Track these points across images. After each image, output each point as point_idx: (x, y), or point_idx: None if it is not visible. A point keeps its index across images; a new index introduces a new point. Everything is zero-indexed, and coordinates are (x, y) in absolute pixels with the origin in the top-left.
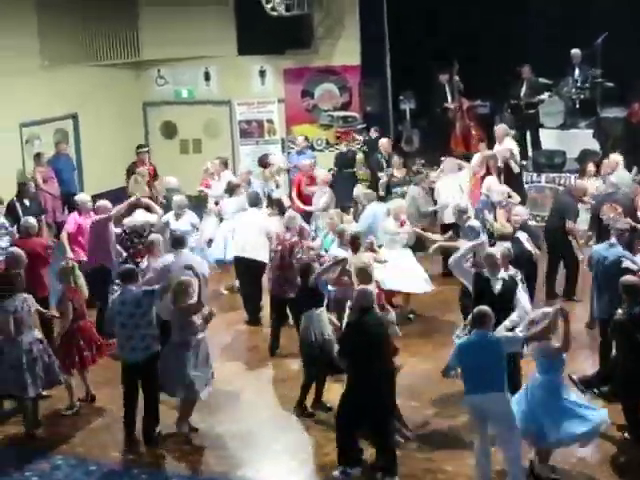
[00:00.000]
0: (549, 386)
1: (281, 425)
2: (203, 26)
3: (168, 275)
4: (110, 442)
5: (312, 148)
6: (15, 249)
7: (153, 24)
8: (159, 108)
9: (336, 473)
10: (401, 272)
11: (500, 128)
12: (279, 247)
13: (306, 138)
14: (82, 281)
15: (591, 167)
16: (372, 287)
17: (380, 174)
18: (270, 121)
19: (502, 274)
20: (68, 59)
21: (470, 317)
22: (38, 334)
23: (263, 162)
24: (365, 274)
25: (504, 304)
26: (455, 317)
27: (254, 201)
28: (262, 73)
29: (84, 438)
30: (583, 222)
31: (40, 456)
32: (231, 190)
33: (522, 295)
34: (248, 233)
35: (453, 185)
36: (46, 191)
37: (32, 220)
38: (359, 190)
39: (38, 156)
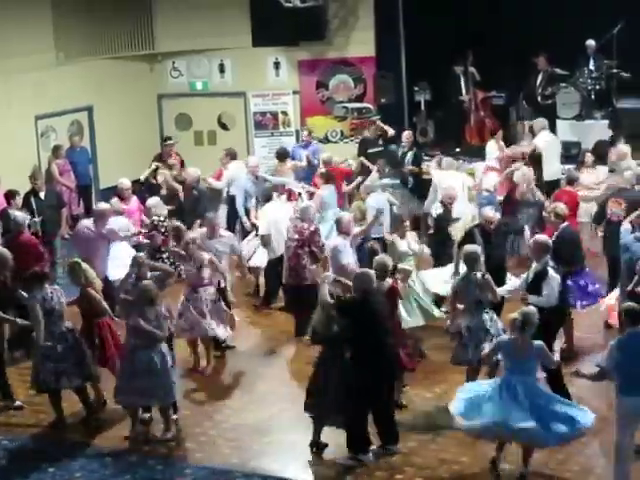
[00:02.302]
0: (534, 385)
1: (296, 416)
2: (217, 18)
3: None
4: (125, 434)
5: (326, 140)
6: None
7: (167, 16)
8: (174, 100)
9: (342, 458)
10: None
11: (538, 122)
12: (296, 236)
13: (310, 133)
14: (92, 274)
15: (589, 158)
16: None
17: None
18: (285, 113)
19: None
20: (83, 52)
21: None
22: (69, 324)
23: (281, 155)
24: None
25: None
26: None
27: (267, 196)
28: (277, 65)
29: (100, 429)
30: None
31: (56, 448)
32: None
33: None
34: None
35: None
36: (63, 183)
37: (20, 217)
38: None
39: (56, 149)
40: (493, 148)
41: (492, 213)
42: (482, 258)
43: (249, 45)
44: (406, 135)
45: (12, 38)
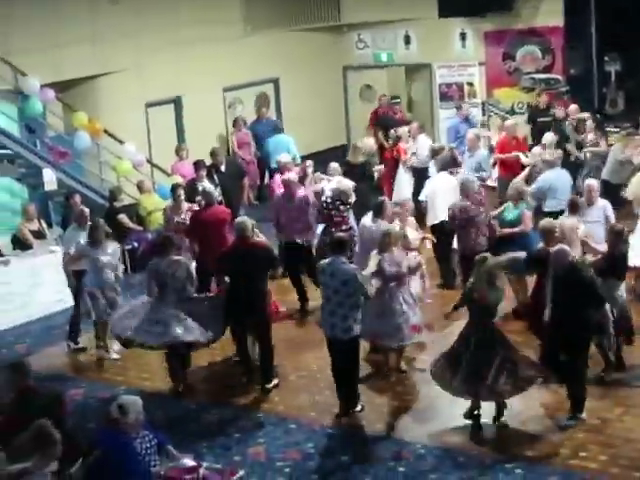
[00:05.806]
0: None
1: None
2: None
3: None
4: (308, 403)
5: (512, 112)
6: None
7: None
8: (358, 72)
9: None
10: None
11: None
12: (481, 208)
13: (463, 106)
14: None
15: None
16: None
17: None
18: (470, 84)
19: None
20: (270, 24)
21: None
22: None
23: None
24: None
25: None
26: None
27: (444, 165)
28: (463, 36)
29: (284, 397)
30: None
31: (242, 414)
32: (434, 153)
33: None
34: (446, 197)
35: None
36: (240, 156)
37: (212, 188)
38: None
39: (236, 121)
40: None
41: None
42: None
43: (435, 16)
44: (572, 109)
45: (202, 10)
